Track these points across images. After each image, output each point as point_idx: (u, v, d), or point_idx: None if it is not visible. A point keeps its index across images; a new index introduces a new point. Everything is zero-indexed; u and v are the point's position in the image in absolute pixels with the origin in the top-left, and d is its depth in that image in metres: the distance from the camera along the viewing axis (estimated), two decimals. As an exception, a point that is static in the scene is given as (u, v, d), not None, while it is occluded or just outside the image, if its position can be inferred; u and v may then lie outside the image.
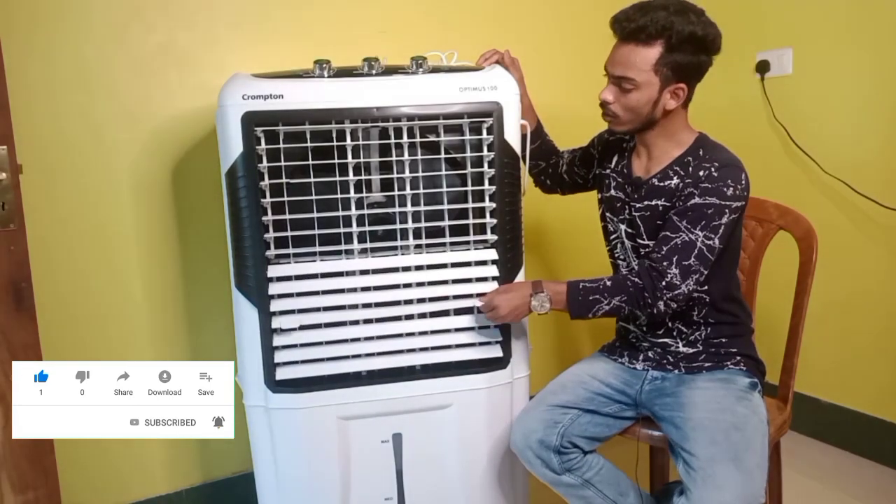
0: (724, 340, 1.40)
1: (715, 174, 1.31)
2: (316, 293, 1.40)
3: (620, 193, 1.47)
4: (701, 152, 1.36)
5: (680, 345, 1.42)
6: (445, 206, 1.42)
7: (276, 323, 1.38)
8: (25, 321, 1.24)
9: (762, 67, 2.19)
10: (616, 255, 1.52)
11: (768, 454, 1.26)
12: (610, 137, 1.55)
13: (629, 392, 1.43)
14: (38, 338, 1.25)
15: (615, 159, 1.52)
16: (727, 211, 1.30)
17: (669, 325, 1.43)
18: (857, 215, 2.01)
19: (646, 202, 1.41)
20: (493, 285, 1.44)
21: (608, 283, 1.34)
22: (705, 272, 1.31)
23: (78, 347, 1.68)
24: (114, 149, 1.66)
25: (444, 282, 1.44)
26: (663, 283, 1.30)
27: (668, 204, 1.37)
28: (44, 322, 1.32)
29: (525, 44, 1.76)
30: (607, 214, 1.52)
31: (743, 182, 1.32)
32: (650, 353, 1.45)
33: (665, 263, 1.30)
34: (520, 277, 1.48)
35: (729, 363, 1.39)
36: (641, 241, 1.42)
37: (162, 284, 1.75)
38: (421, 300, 1.44)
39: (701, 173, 1.33)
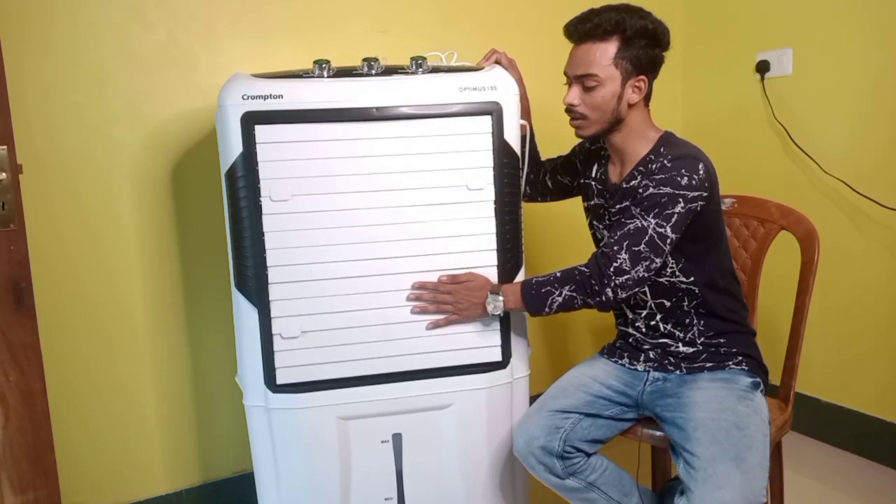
0: (723, 340, 1.40)
1: (668, 165, 1.32)
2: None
3: (601, 200, 1.49)
4: (662, 149, 1.37)
5: (679, 345, 1.42)
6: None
7: (276, 323, 1.38)
8: (25, 321, 1.23)
9: (762, 67, 2.19)
10: None
11: (769, 454, 1.25)
12: (591, 147, 1.57)
13: (630, 393, 1.43)
14: (38, 338, 1.25)
15: (595, 167, 1.54)
16: (681, 200, 1.30)
17: (662, 326, 1.43)
18: (857, 215, 2.01)
19: (618, 206, 1.42)
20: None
21: (558, 275, 1.37)
22: (657, 260, 1.31)
23: (78, 347, 1.68)
24: (114, 149, 1.67)
25: (444, 282, 1.44)
26: (612, 269, 1.31)
27: (632, 204, 1.38)
28: (44, 322, 1.32)
29: (525, 44, 1.77)
30: (594, 222, 1.54)
31: (701, 173, 1.31)
32: (651, 354, 1.45)
33: (616, 248, 1.32)
34: (520, 277, 1.48)
35: (730, 363, 1.39)
36: None
37: (162, 284, 1.76)
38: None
39: (655, 167, 1.35)
